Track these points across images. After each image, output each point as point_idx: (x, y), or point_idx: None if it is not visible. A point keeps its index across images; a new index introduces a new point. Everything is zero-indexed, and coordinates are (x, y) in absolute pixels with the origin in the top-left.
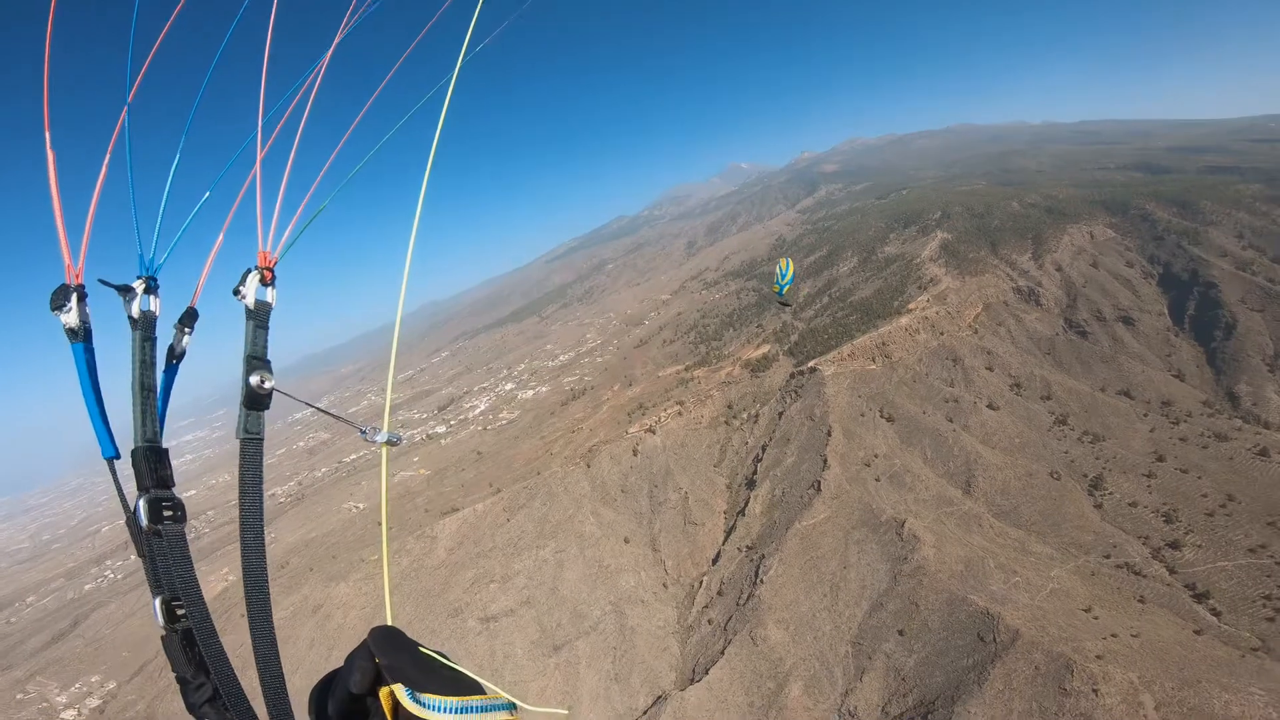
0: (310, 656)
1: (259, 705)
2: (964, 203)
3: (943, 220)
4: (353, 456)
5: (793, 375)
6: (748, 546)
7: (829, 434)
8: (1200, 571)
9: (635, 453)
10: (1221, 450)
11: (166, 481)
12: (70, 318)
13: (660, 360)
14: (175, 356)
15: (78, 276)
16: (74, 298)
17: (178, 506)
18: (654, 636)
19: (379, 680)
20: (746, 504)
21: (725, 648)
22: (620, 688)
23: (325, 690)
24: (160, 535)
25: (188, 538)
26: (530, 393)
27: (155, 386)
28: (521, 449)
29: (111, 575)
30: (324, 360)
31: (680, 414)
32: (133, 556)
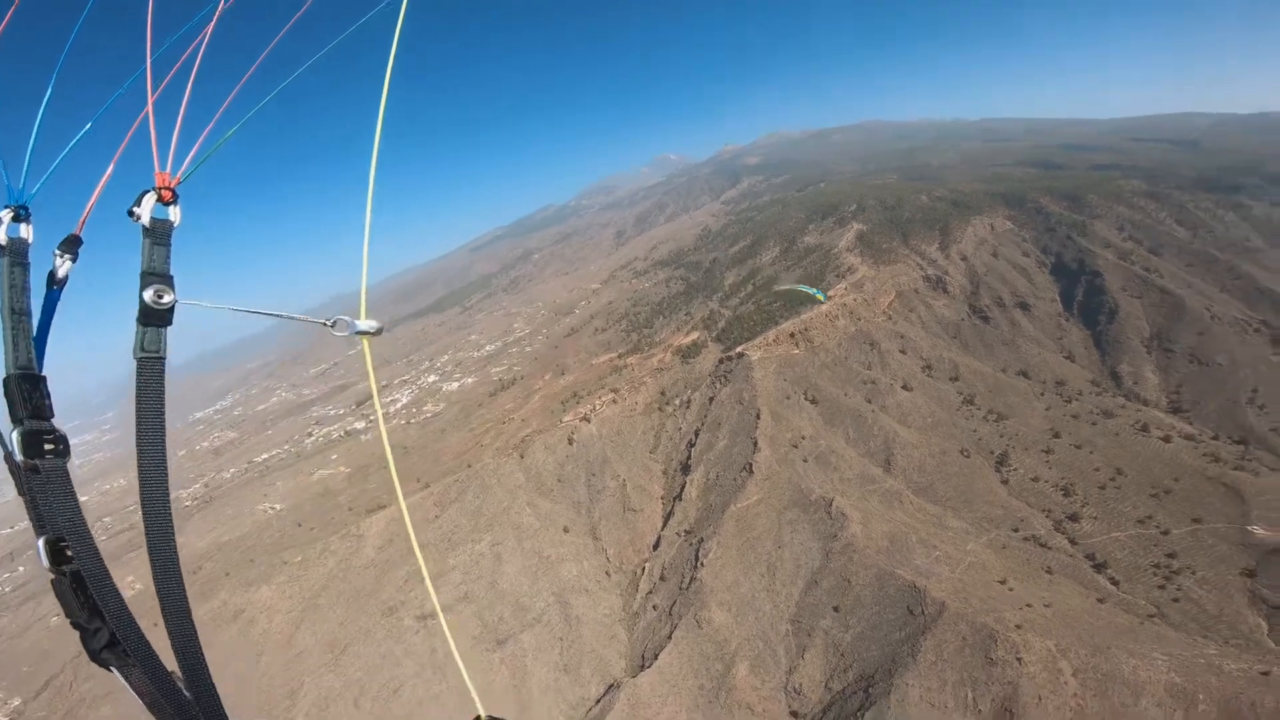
0: (233, 663)
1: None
2: (878, 196)
3: (858, 212)
4: (264, 456)
5: (722, 361)
6: (686, 531)
7: (758, 417)
8: (1097, 542)
9: (571, 441)
10: (1109, 426)
11: (43, 412)
12: None
13: (592, 349)
14: (56, 283)
15: None
16: None
17: (60, 440)
18: (600, 625)
19: None
20: (683, 489)
21: (672, 632)
22: (570, 678)
23: None
24: (39, 471)
25: (70, 472)
26: (456, 385)
27: (28, 311)
28: (449, 442)
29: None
30: (225, 355)
31: (615, 401)
32: (21, 568)
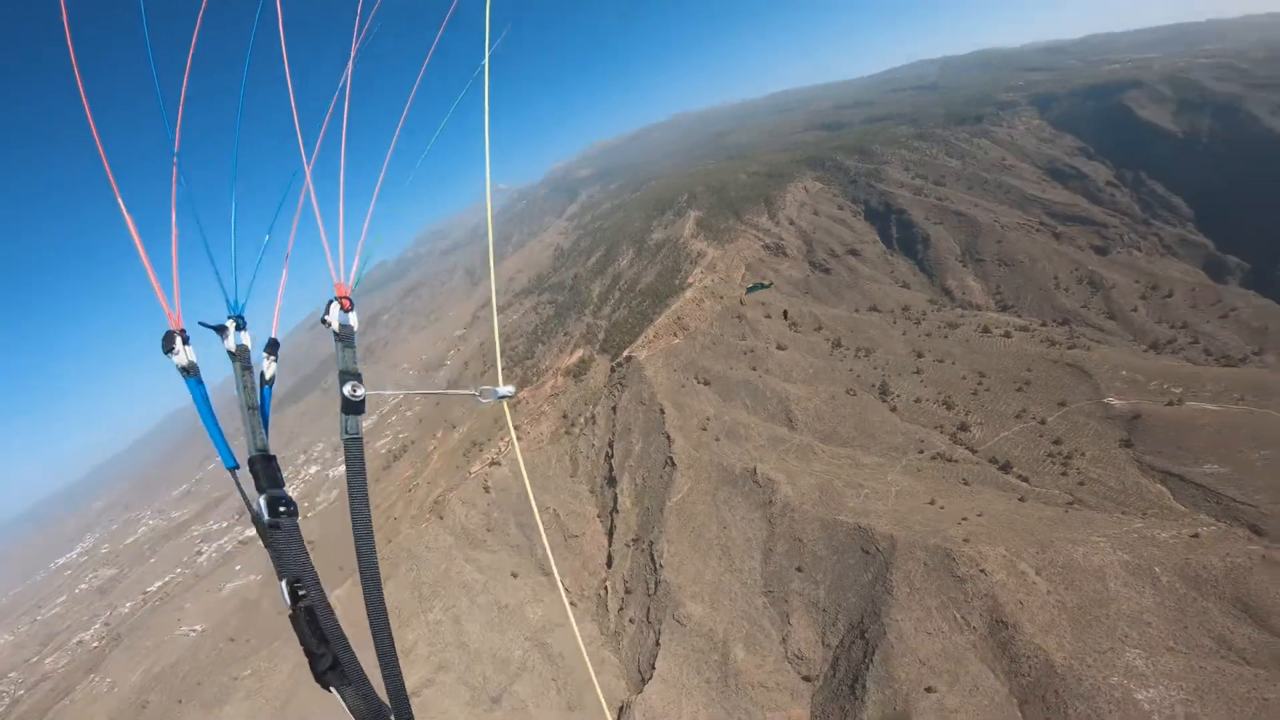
0: None
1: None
2: (704, 182)
3: (691, 201)
4: (158, 584)
5: (613, 369)
6: (633, 539)
7: (662, 412)
8: (993, 445)
9: (487, 489)
10: (958, 336)
11: (279, 482)
12: (180, 358)
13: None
14: (266, 381)
15: (177, 322)
16: (179, 341)
17: (290, 502)
18: (586, 654)
19: None
20: (616, 501)
21: (659, 638)
22: (579, 714)
23: None
24: (279, 528)
25: (299, 528)
26: (342, 469)
27: (259, 405)
28: None
29: None
30: (59, 503)
31: (519, 439)
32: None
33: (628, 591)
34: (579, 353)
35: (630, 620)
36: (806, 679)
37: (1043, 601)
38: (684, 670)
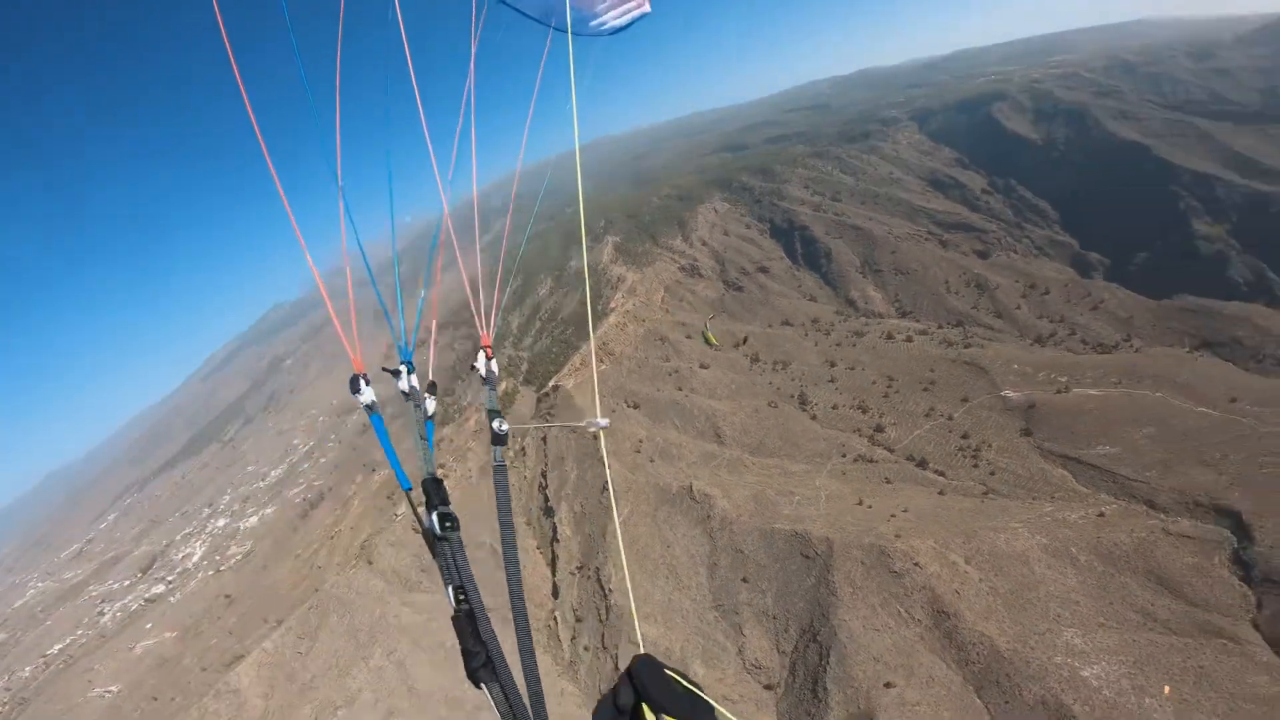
0: None
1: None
2: (619, 207)
3: (609, 226)
4: (58, 646)
5: (540, 399)
6: (578, 567)
7: (595, 438)
8: (909, 444)
9: (416, 530)
10: (865, 343)
11: (446, 500)
12: (365, 397)
13: (395, 435)
14: (429, 416)
15: (362, 368)
16: (363, 382)
17: (455, 519)
18: (544, 686)
19: (639, 698)
20: (555, 531)
21: (617, 664)
22: None
23: (604, 703)
24: (448, 540)
25: (462, 540)
26: (254, 520)
27: (427, 436)
28: (278, 576)
29: None
30: None
31: (446, 477)
32: None
33: (579, 620)
34: (502, 386)
35: (585, 648)
36: (768, 687)
37: (977, 589)
38: None
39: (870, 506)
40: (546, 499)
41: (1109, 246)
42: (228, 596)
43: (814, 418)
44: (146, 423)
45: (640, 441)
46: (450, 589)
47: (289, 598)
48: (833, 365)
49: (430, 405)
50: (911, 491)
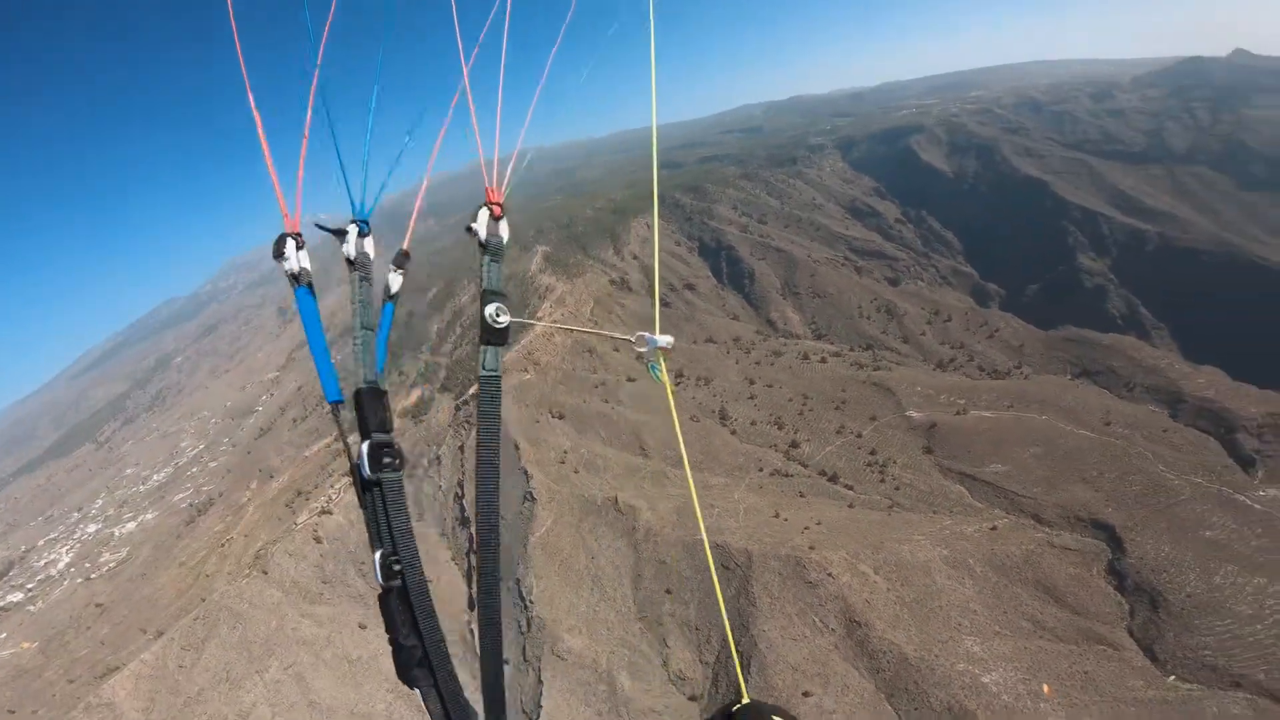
0: None
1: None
2: (551, 217)
3: (539, 236)
4: None
5: (458, 408)
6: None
7: (517, 448)
8: (821, 459)
9: (319, 539)
10: (782, 363)
11: (387, 425)
12: (290, 264)
13: (298, 442)
14: (389, 296)
15: (295, 226)
16: (292, 245)
17: (397, 454)
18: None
19: None
20: (471, 541)
21: (540, 676)
22: None
23: None
24: (379, 485)
25: (405, 487)
26: (132, 525)
27: (376, 325)
28: (160, 584)
29: None
30: None
31: (351, 485)
32: None
33: None
34: (416, 393)
35: (505, 660)
36: (692, 699)
37: (885, 599)
38: (572, 705)
39: (786, 519)
40: (463, 510)
41: (1006, 277)
42: (99, 605)
43: (734, 432)
44: (6, 420)
45: (565, 452)
46: (378, 556)
47: (172, 608)
48: (752, 383)
49: (395, 281)
50: (823, 505)
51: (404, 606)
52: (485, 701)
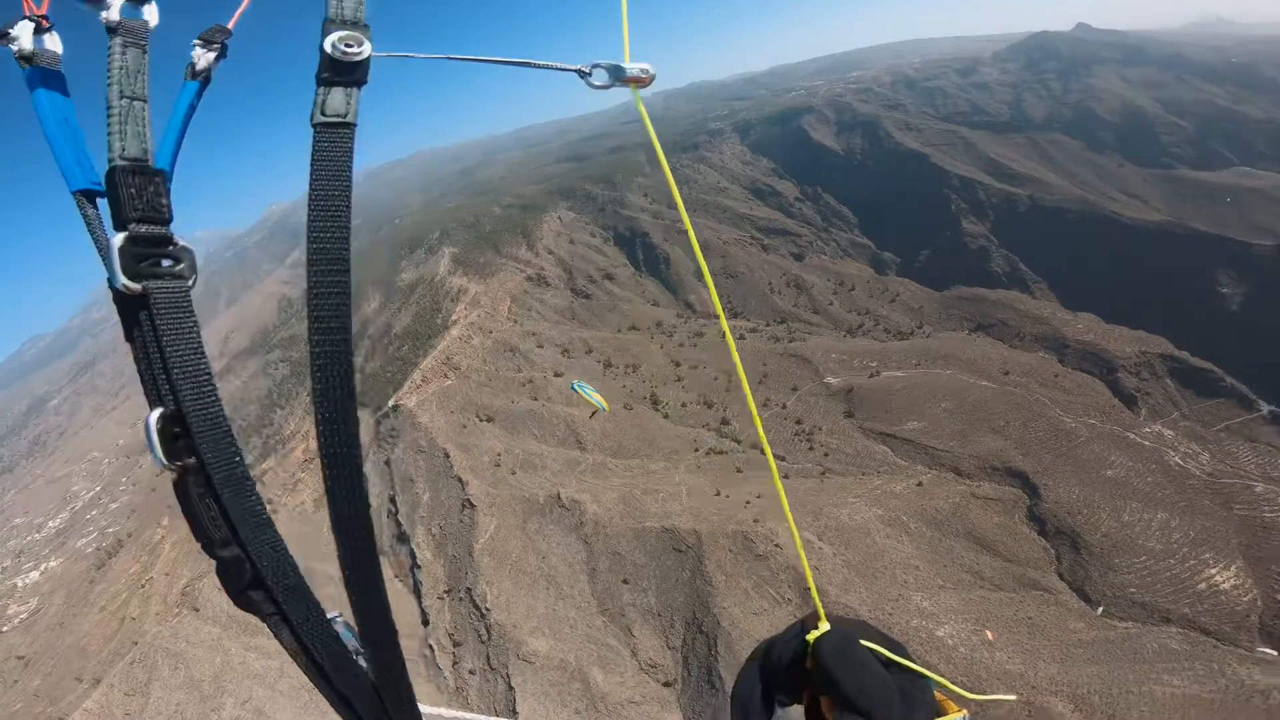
0: None
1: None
2: (456, 218)
3: (444, 238)
4: None
5: (379, 422)
6: (446, 591)
7: (447, 455)
8: (752, 434)
9: None
10: (704, 343)
11: (161, 213)
12: (20, 46)
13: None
14: (195, 75)
15: (42, 8)
16: (24, 26)
17: (182, 254)
18: (430, 717)
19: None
20: (414, 557)
21: (510, 682)
22: None
23: (747, 685)
24: (149, 301)
25: (193, 306)
26: (35, 574)
27: (146, 98)
28: (83, 631)
29: None
30: None
31: (275, 512)
32: None
33: (456, 644)
34: None
35: (470, 671)
36: (667, 684)
37: (833, 563)
38: (548, 707)
39: (728, 496)
40: (399, 525)
41: (899, 245)
42: (21, 658)
43: (666, 416)
44: None
45: (499, 455)
46: (153, 419)
47: (102, 654)
48: (678, 365)
49: (204, 58)
50: (760, 478)
51: (208, 495)
52: (360, 626)
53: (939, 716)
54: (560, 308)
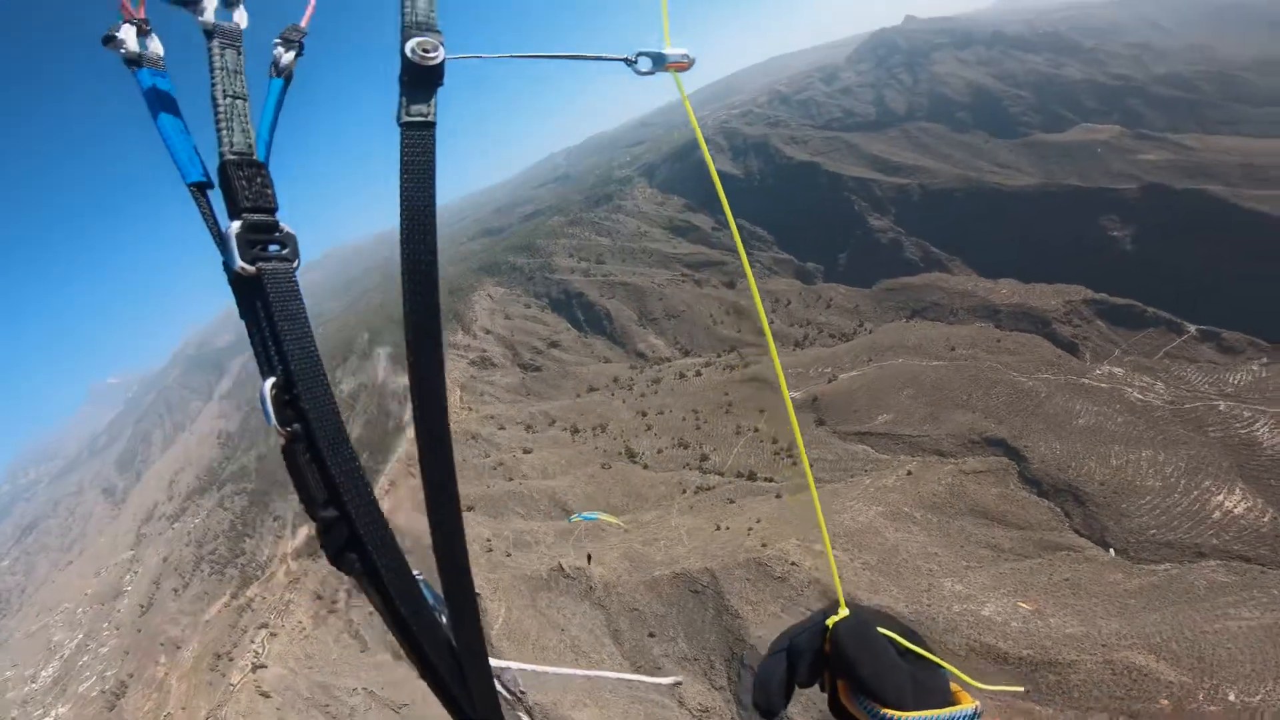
0: None
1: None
2: (381, 315)
3: (374, 339)
4: None
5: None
6: None
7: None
8: (734, 463)
9: (266, 695)
10: (664, 387)
11: (269, 203)
12: (127, 48)
13: (190, 609)
14: (279, 72)
15: (137, 11)
16: (128, 29)
17: (287, 239)
18: None
19: (835, 673)
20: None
21: None
22: None
23: (772, 670)
24: (261, 277)
25: (299, 284)
26: None
27: (245, 96)
28: None
29: None
30: None
31: (274, 635)
32: None
33: None
34: (303, 530)
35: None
36: None
37: (853, 568)
38: None
39: (728, 528)
40: None
41: (818, 253)
42: None
43: (646, 467)
44: None
45: (488, 540)
46: (267, 387)
47: None
48: (644, 415)
49: (286, 57)
50: (754, 503)
51: (313, 460)
52: (444, 583)
53: (951, 705)
54: (512, 385)
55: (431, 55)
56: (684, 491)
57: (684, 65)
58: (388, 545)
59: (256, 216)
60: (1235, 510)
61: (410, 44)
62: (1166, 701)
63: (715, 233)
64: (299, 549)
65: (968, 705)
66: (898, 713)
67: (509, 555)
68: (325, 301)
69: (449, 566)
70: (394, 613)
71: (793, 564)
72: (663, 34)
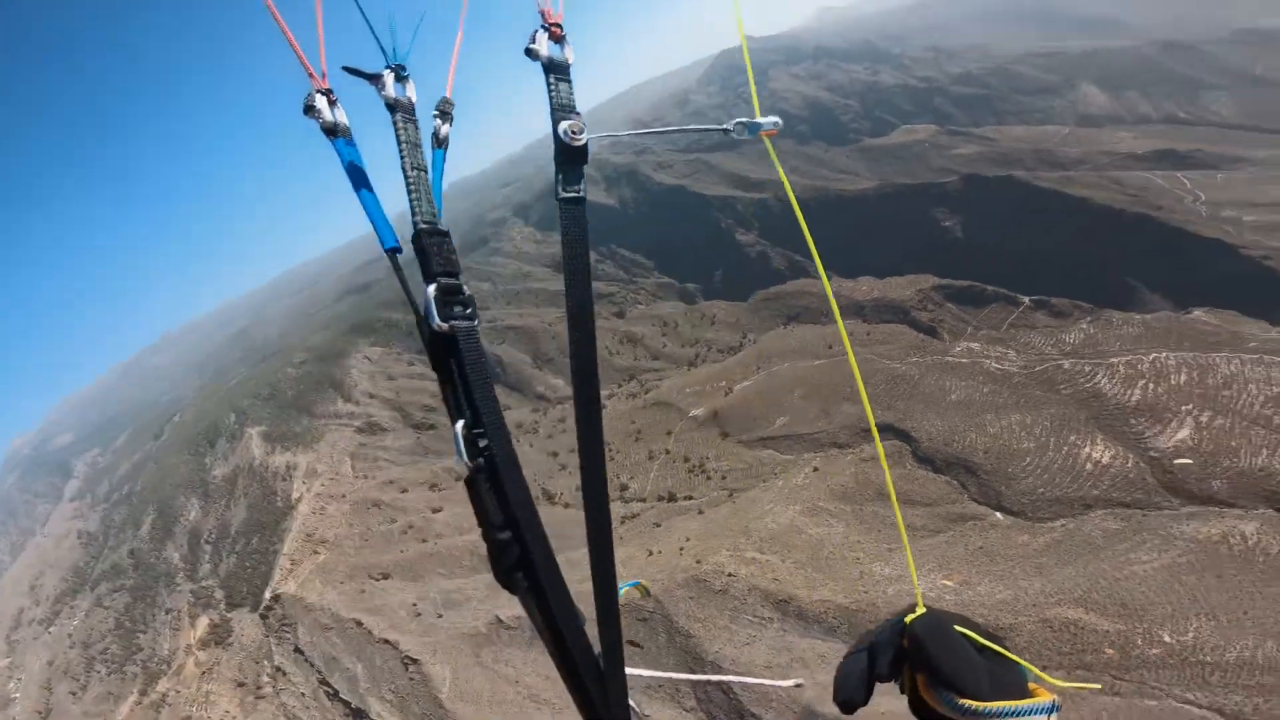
0: None
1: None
2: (245, 392)
3: (243, 418)
4: None
5: (265, 618)
6: None
7: (360, 624)
8: (653, 488)
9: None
10: (569, 425)
11: (455, 267)
12: (325, 116)
13: (98, 710)
14: (439, 143)
15: (323, 82)
16: (321, 99)
17: (469, 301)
18: None
19: (914, 667)
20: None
21: None
22: None
23: (852, 667)
24: (455, 333)
25: (482, 341)
26: None
27: (427, 167)
28: None
29: None
30: None
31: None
32: None
33: None
34: (203, 621)
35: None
36: None
37: (786, 569)
38: None
39: (660, 552)
40: (348, 704)
41: (695, 274)
42: None
43: (566, 506)
44: None
45: (414, 605)
46: (459, 428)
47: None
48: (556, 455)
49: (442, 129)
50: (680, 522)
51: (493, 490)
52: (599, 611)
53: (1028, 698)
54: (407, 447)
55: (579, 136)
56: (623, 521)
57: (773, 132)
58: (552, 567)
59: (447, 280)
60: (1103, 460)
61: (563, 126)
62: (1111, 650)
63: (599, 265)
64: (203, 639)
65: (1045, 699)
66: (975, 703)
67: (440, 616)
68: (176, 385)
69: (603, 603)
70: (553, 628)
71: (730, 575)
72: (752, 107)
